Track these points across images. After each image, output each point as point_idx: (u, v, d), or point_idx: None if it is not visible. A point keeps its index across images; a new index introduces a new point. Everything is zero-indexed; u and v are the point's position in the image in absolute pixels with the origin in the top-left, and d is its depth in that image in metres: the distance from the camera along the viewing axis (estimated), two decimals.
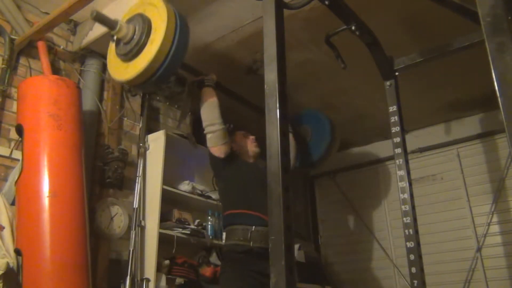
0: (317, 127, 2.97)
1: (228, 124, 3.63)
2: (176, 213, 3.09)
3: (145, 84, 1.90)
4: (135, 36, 1.85)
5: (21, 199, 2.12)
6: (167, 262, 2.84)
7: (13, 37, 2.57)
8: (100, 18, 1.87)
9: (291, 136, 2.59)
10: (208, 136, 2.32)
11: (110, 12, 2.76)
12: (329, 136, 2.89)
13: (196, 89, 2.47)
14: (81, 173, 2.28)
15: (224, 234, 2.96)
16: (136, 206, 2.79)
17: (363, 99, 3.74)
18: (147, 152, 3.03)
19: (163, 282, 2.73)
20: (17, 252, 2.03)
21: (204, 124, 2.34)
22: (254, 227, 2.22)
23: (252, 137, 2.62)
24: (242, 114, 3.28)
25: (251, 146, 2.57)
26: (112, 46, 2.02)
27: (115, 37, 1.90)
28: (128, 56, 1.88)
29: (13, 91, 2.51)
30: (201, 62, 3.21)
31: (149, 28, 1.85)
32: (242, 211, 2.29)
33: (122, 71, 1.93)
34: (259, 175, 2.38)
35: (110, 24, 1.87)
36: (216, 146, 2.32)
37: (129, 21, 1.92)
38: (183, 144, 3.25)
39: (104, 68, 3.00)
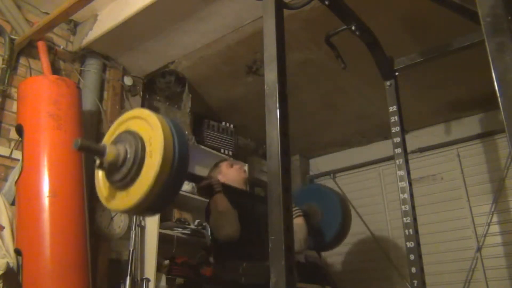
0: (325, 205, 2.67)
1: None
2: (176, 213, 3.09)
3: (154, 205, 1.64)
4: (128, 156, 1.60)
5: (21, 199, 2.12)
6: (167, 262, 2.84)
7: (13, 37, 2.57)
8: (85, 147, 1.62)
9: (303, 219, 2.40)
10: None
11: (110, 12, 2.76)
12: (340, 215, 2.59)
13: (204, 195, 2.32)
14: (81, 173, 2.28)
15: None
16: None
17: (363, 99, 3.74)
18: None
19: (163, 282, 2.73)
20: (17, 252, 2.03)
21: (222, 231, 2.18)
22: (245, 263, 2.11)
23: (237, 166, 2.55)
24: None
25: (239, 173, 2.50)
26: (99, 174, 1.74)
27: (104, 164, 1.63)
28: (126, 180, 1.61)
29: (13, 91, 2.51)
30: (201, 62, 3.23)
31: (142, 142, 1.60)
32: (233, 245, 2.18)
33: (121, 199, 1.66)
34: (251, 205, 2.30)
35: (97, 151, 1.62)
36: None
37: (115, 142, 1.67)
38: None
39: (104, 68, 3.00)
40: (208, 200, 2.29)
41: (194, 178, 2.40)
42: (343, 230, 2.60)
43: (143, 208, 1.63)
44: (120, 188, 1.63)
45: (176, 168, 1.58)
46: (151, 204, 1.59)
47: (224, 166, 2.54)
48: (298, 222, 2.38)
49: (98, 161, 1.62)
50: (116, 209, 1.73)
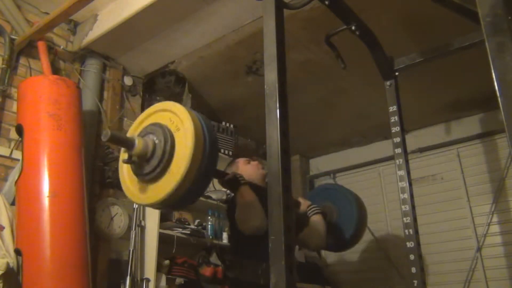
0: (342, 205, 2.67)
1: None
2: (176, 213, 3.09)
3: (187, 195, 1.58)
4: (157, 149, 1.55)
5: (21, 199, 2.12)
6: (167, 262, 2.84)
7: (13, 37, 2.57)
8: (115, 139, 1.57)
9: (321, 216, 2.39)
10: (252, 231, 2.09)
11: (110, 12, 2.76)
12: (356, 216, 2.60)
13: (229, 188, 2.25)
14: (81, 173, 2.28)
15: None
16: (136, 206, 2.79)
17: (363, 99, 3.74)
18: None
19: (163, 282, 2.73)
20: (17, 252, 2.03)
21: (249, 223, 2.11)
22: (264, 264, 2.02)
23: (255, 162, 2.46)
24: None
25: (257, 170, 2.42)
26: (124, 168, 1.69)
27: (133, 158, 1.57)
28: (156, 172, 1.56)
29: (13, 91, 2.51)
30: (201, 62, 3.23)
31: (170, 132, 1.56)
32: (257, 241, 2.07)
33: (152, 192, 1.60)
34: None
35: (127, 143, 1.58)
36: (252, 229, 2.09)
37: (143, 134, 1.64)
38: None
39: (104, 68, 3.01)
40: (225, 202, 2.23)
41: (217, 173, 2.35)
42: (359, 230, 2.60)
43: (175, 199, 1.55)
44: (149, 181, 1.57)
45: (208, 153, 1.54)
46: (184, 194, 1.53)
47: (241, 162, 2.47)
48: (317, 219, 2.36)
49: (126, 155, 1.56)
50: (147, 203, 1.65)
